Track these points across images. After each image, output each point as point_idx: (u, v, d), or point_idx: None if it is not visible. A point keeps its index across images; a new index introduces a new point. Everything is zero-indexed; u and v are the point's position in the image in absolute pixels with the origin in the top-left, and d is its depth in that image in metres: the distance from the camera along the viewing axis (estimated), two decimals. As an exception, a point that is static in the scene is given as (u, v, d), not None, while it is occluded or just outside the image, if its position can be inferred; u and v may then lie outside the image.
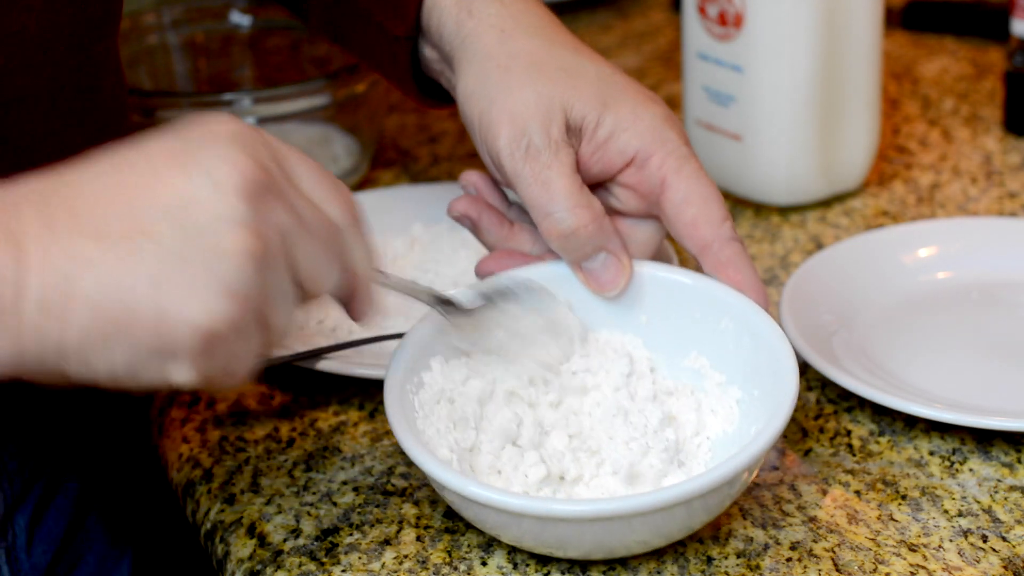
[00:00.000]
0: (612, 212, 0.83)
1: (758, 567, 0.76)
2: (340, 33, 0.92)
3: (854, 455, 0.84)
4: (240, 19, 1.21)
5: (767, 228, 1.06)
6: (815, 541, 0.78)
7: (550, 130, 0.79)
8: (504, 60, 0.81)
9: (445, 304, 0.78)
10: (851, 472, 0.83)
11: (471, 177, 0.84)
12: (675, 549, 0.77)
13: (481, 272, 0.83)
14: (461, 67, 0.83)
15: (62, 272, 0.61)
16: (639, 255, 0.83)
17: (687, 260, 0.96)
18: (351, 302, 0.71)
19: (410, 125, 1.22)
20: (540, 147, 0.79)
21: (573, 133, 0.80)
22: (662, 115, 0.81)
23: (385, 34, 0.87)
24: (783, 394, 0.75)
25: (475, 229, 0.84)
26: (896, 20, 1.34)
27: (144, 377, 0.63)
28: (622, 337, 0.82)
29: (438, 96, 0.89)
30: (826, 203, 1.08)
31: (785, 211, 1.08)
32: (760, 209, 1.07)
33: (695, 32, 1.06)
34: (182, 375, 0.63)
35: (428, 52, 0.87)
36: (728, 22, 1.04)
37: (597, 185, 0.82)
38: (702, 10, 1.05)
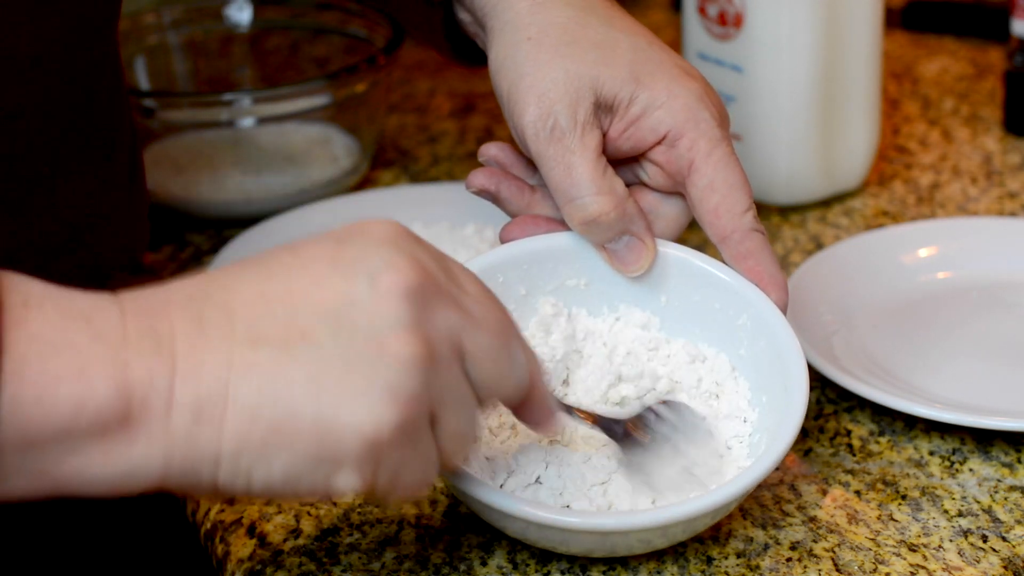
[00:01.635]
0: (640, 186, 0.82)
1: (758, 567, 0.76)
2: None
3: (854, 455, 0.84)
4: (238, 16, 1.21)
5: (767, 228, 1.05)
6: (815, 541, 0.78)
7: (577, 112, 0.78)
8: (535, 32, 0.79)
9: (625, 437, 0.76)
10: (851, 472, 0.83)
11: (491, 150, 0.82)
12: (675, 549, 0.77)
13: (505, 238, 0.81)
14: (492, 35, 0.81)
15: (217, 377, 0.59)
16: (666, 231, 0.82)
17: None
18: (525, 408, 0.69)
19: (410, 125, 1.22)
20: (565, 129, 0.78)
21: (604, 110, 0.79)
22: (698, 92, 0.79)
23: None
24: (791, 412, 0.75)
25: (496, 200, 0.82)
26: (896, 20, 1.34)
27: (308, 485, 0.61)
28: (641, 314, 0.82)
29: (476, 56, 0.88)
30: (826, 203, 1.08)
31: (785, 211, 1.08)
32: (760, 209, 1.07)
33: (695, 32, 1.06)
34: (347, 484, 0.61)
35: (463, 15, 0.86)
36: (728, 22, 1.04)
37: (627, 160, 0.81)
38: (702, 10, 1.05)
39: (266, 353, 0.59)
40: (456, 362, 0.63)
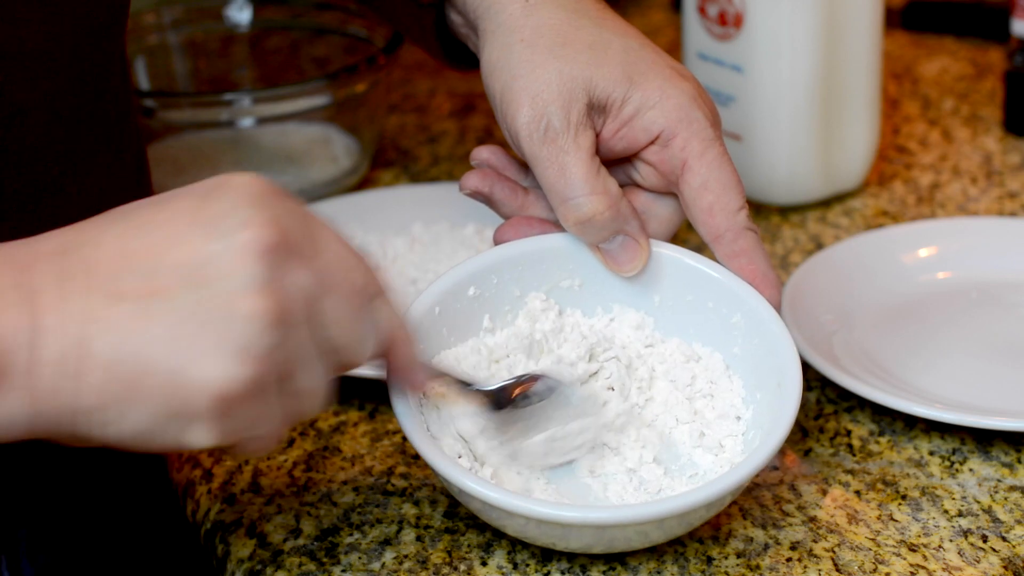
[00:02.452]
0: (634, 186, 0.83)
1: (758, 567, 0.76)
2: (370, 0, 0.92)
3: (854, 455, 0.84)
4: (238, 16, 1.21)
5: (767, 228, 1.06)
6: (815, 541, 0.78)
7: (570, 113, 0.78)
8: (528, 34, 0.80)
9: (487, 397, 0.77)
10: (851, 472, 0.83)
11: (483, 154, 0.83)
12: (675, 549, 0.77)
13: (499, 239, 0.82)
14: (485, 37, 0.82)
15: (77, 333, 0.60)
16: (660, 231, 0.83)
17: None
18: (395, 375, 0.71)
19: (410, 125, 1.22)
20: (559, 130, 0.78)
21: (597, 111, 0.79)
22: (691, 93, 0.80)
23: (412, 0, 0.86)
24: (784, 408, 0.75)
25: (489, 203, 0.83)
26: (896, 20, 1.34)
27: (161, 440, 0.63)
28: (635, 314, 0.82)
29: (466, 59, 0.89)
30: (826, 203, 1.08)
31: (785, 211, 1.08)
32: (760, 209, 1.07)
33: (695, 32, 1.06)
34: (200, 438, 0.63)
35: (454, 17, 0.86)
36: (728, 22, 1.04)
37: (620, 160, 0.82)
38: (702, 10, 1.05)
39: (124, 309, 0.61)
40: (307, 323, 0.64)
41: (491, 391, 0.77)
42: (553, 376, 0.78)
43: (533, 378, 0.77)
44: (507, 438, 0.76)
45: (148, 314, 0.61)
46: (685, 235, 0.86)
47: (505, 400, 0.77)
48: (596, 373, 0.80)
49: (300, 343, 0.64)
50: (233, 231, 0.62)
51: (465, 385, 0.76)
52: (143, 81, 1.18)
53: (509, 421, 0.76)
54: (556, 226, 0.81)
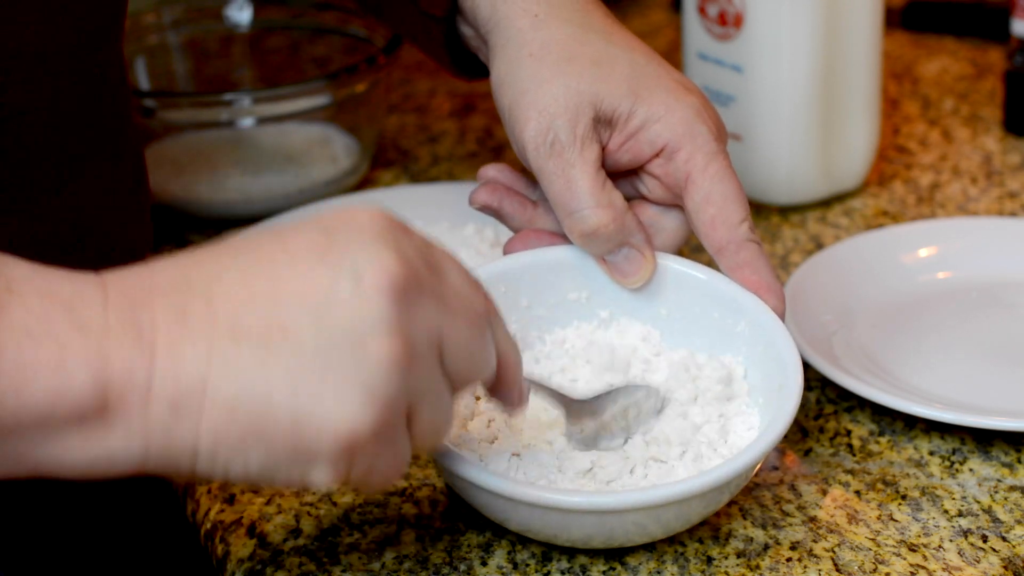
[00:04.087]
0: (640, 199, 0.83)
1: (758, 567, 0.76)
2: (377, 8, 0.92)
3: (854, 455, 0.84)
4: (238, 16, 1.21)
5: (767, 228, 1.06)
6: (815, 541, 0.78)
7: (576, 127, 0.79)
8: (536, 49, 0.81)
9: (571, 406, 0.77)
10: (851, 472, 0.83)
11: (489, 172, 0.84)
12: (675, 549, 0.77)
13: (508, 251, 0.83)
14: (495, 51, 0.83)
15: (197, 373, 0.59)
16: (666, 243, 0.83)
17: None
18: (501, 391, 0.70)
19: (410, 125, 1.22)
20: (565, 144, 0.79)
21: (603, 124, 0.80)
22: (696, 107, 0.81)
23: (422, 12, 0.87)
24: (784, 407, 0.75)
25: (499, 216, 0.84)
26: (896, 20, 1.34)
27: (284, 479, 0.62)
28: (641, 327, 0.83)
29: (476, 69, 0.89)
30: (826, 203, 1.08)
31: (785, 211, 1.08)
32: (760, 209, 1.07)
33: (695, 32, 1.06)
34: (323, 479, 0.62)
35: (465, 29, 0.87)
36: (728, 22, 1.04)
37: (626, 173, 0.82)
38: (702, 10, 1.05)
39: (246, 349, 0.60)
40: (434, 356, 0.63)
41: (589, 402, 0.77)
42: (643, 386, 0.79)
43: (619, 394, 0.78)
44: (583, 432, 0.77)
45: (272, 354, 0.60)
46: (697, 249, 0.87)
47: (599, 411, 0.77)
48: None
49: (426, 379, 0.63)
50: (361, 270, 0.61)
51: (562, 397, 0.77)
52: (143, 81, 1.18)
53: (590, 430, 0.78)
54: (564, 239, 0.82)
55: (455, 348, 0.64)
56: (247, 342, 0.60)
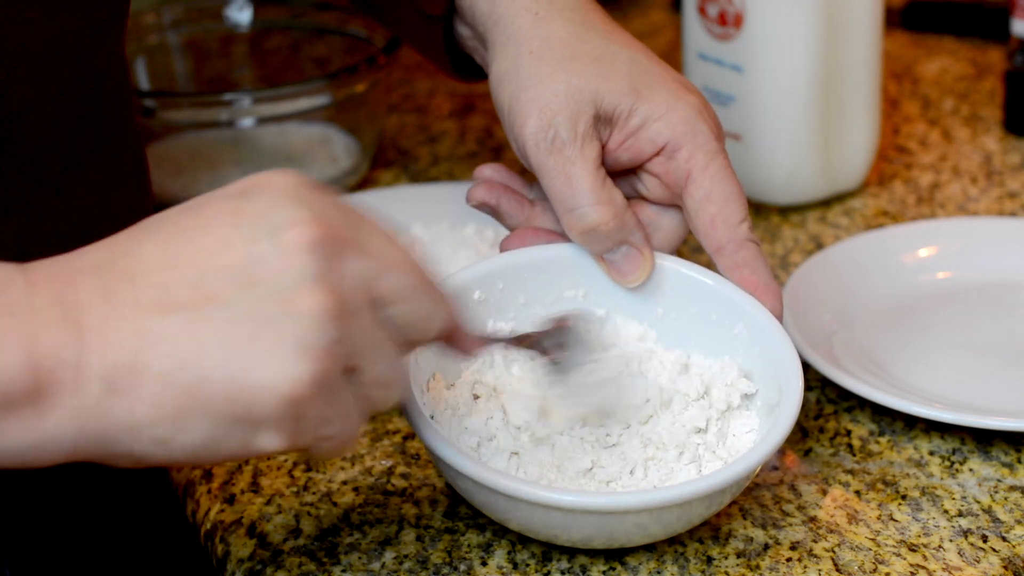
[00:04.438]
0: (639, 199, 0.83)
1: (758, 567, 0.76)
2: (375, 8, 0.92)
3: (854, 455, 0.84)
4: (238, 16, 1.21)
5: (767, 228, 1.06)
6: (815, 541, 0.78)
7: (577, 124, 0.79)
8: (536, 46, 0.81)
9: (541, 352, 0.77)
10: (851, 472, 0.83)
11: (485, 172, 0.84)
12: (675, 549, 0.77)
13: (504, 249, 0.83)
14: (494, 49, 0.83)
15: (128, 347, 0.59)
16: (664, 243, 0.83)
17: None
18: (451, 342, 0.70)
19: (410, 125, 1.22)
20: (566, 141, 0.79)
21: (604, 122, 0.80)
22: (696, 105, 0.81)
23: (419, 12, 0.87)
24: (785, 409, 0.75)
25: (496, 214, 0.84)
26: (896, 20, 1.34)
27: (227, 449, 0.61)
28: (638, 326, 0.83)
29: (472, 71, 0.89)
30: (826, 203, 1.08)
31: (785, 211, 1.08)
32: (760, 209, 1.07)
33: (695, 32, 1.06)
34: (270, 443, 0.61)
35: (462, 29, 0.87)
36: (728, 22, 1.04)
37: (626, 172, 0.82)
38: (702, 10, 1.05)
39: (176, 319, 0.59)
40: (370, 309, 0.63)
41: (542, 332, 0.77)
42: (574, 315, 0.79)
43: (564, 319, 0.78)
44: (562, 385, 0.77)
45: (201, 321, 0.60)
46: (695, 251, 0.87)
47: (552, 345, 0.77)
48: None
49: (363, 331, 0.63)
50: (277, 230, 0.61)
51: (514, 339, 0.77)
52: (143, 81, 1.18)
53: (562, 369, 0.77)
54: (562, 237, 0.82)
55: (392, 300, 0.64)
56: (176, 313, 0.60)
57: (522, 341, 0.77)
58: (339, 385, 0.62)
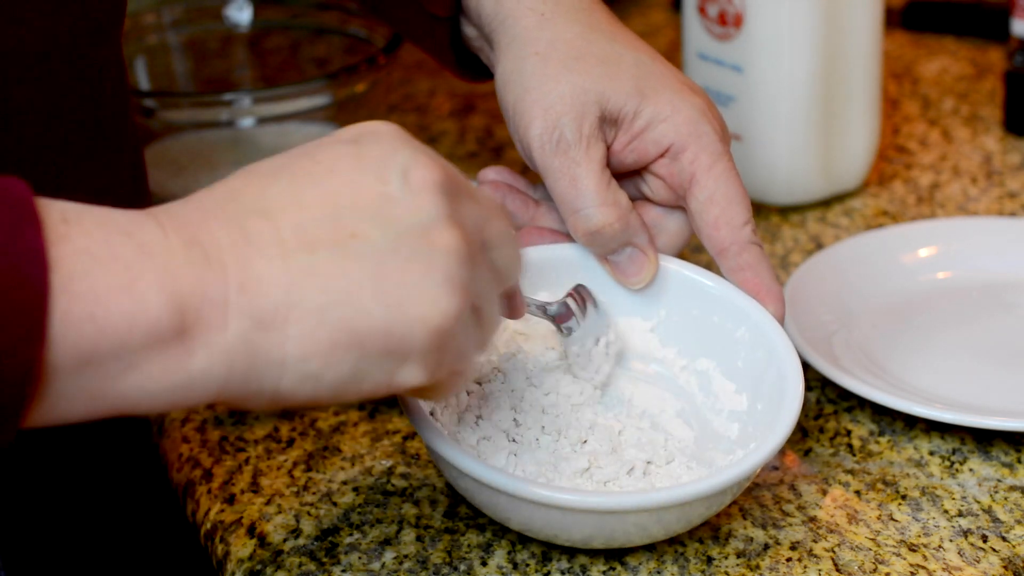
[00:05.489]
0: (643, 200, 0.83)
1: (758, 567, 0.76)
2: (380, 8, 0.92)
3: (854, 455, 0.84)
4: (238, 16, 1.21)
5: (767, 228, 1.06)
6: (815, 541, 0.78)
7: (582, 125, 0.79)
8: (542, 47, 0.81)
9: (558, 320, 0.80)
10: (851, 472, 0.83)
11: (488, 175, 0.84)
12: (675, 549, 0.77)
13: None
14: (499, 49, 0.83)
15: (278, 285, 0.59)
16: (669, 245, 0.83)
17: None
18: (512, 297, 0.72)
19: (410, 125, 1.22)
20: (571, 142, 0.79)
21: (609, 124, 0.80)
22: (701, 107, 0.81)
23: (425, 12, 0.87)
24: (784, 414, 0.75)
25: None
26: (896, 20, 1.34)
27: (371, 383, 0.62)
28: (640, 328, 0.83)
29: (478, 70, 0.90)
30: (826, 203, 1.08)
31: (785, 211, 1.08)
32: (760, 209, 1.07)
33: (695, 32, 1.06)
34: (413, 377, 0.62)
35: (468, 30, 0.87)
36: (728, 22, 1.04)
37: (630, 174, 0.83)
38: (702, 10, 1.05)
39: (323, 255, 0.60)
40: (483, 251, 0.65)
41: (559, 303, 0.80)
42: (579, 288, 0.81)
43: (575, 293, 0.81)
44: (576, 355, 0.80)
45: (349, 258, 0.60)
46: (698, 253, 0.87)
47: (568, 314, 0.80)
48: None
49: (481, 272, 0.64)
50: (405, 172, 0.62)
51: (542, 307, 0.80)
52: (143, 81, 1.18)
53: (573, 340, 0.80)
54: (566, 237, 0.83)
55: (497, 244, 0.65)
56: (322, 250, 0.60)
57: (543, 310, 0.80)
58: (470, 320, 0.64)
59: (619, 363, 0.82)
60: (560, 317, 0.80)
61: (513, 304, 0.73)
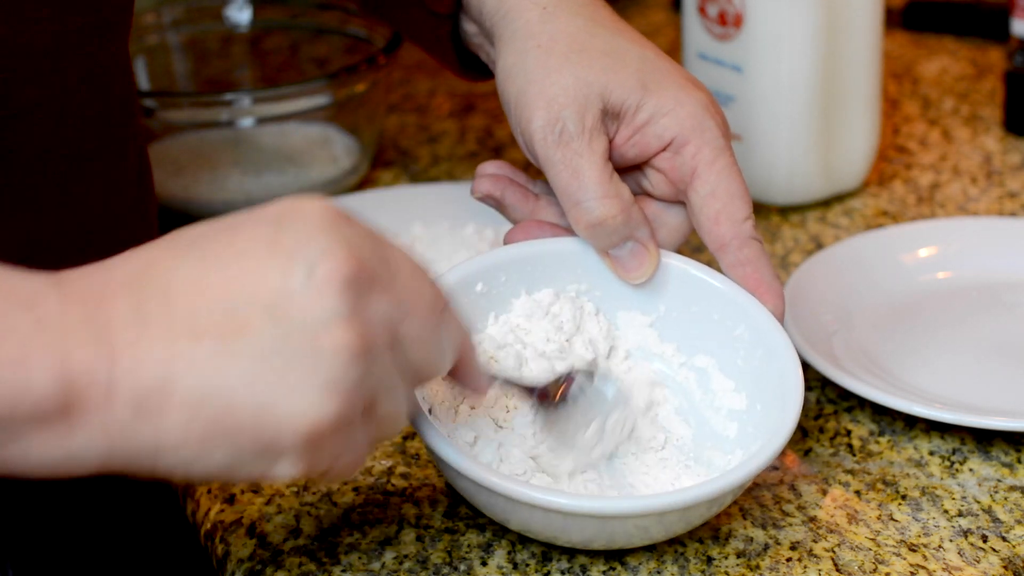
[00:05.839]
0: (644, 195, 0.83)
1: (758, 567, 0.76)
2: (380, 7, 0.92)
3: (854, 455, 0.84)
4: (238, 16, 1.21)
5: (767, 228, 1.06)
6: (815, 541, 0.78)
7: (585, 118, 0.79)
8: (545, 40, 0.81)
9: (540, 398, 0.77)
10: (851, 472, 0.83)
11: (488, 169, 0.84)
12: (675, 549, 0.77)
13: (508, 241, 0.82)
14: (501, 43, 0.83)
15: (158, 372, 0.59)
16: (669, 240, 0.83)
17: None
18: (463, 379, 0.71)
19: (410, 125, 1.22)
20: (573, 134, 0.79)
21: (611, 117, 0.80)
22: (704, 102, 0.81)
23: (426, 10, 0.87)
24: (785, 416, 0.75)
25: (500, 207, 0.83)
26: (896, 20, 1.34)
27: (246, 474, 0.62)
28: (638, 323, 0.82)
29: (477, 69, 0.89)
30: (826, 203, 1.09)
31: (785, 211, 1.08)
32: (760, 209, 1.07)
33: (695, 32, 1.06)
34: (289, 471, 0.62)
35: (468, 27, 0.87)
36: (728, 22, 1.04)
37: (630, 168, 0.82)
38: (702, 10, 1.05)
39: (206, 347, 0.60)
40: (389, 350, 0.64)
41: (542, 387, 0.77)
42: (585, 371, 0.78)
43: (571, 376, 0.78)
44: (558, 435, 0.77)
45: (231, 352, 0.60)
46: (698, 250, 0.87)
47: (551, 396, 0.77)
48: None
49: (383, 370, 0.63)
50: (312, 263, 0.61)
51: (518, 386, 0.77)
52: (143, 81, 1.18)
53: (557, 419, 0.77)
54: (566, 231, 0.82)
55: (410, 342, 0.65)
56: (206, 341, 0.60)
57: (525, 387, 0.77)
58: (357, 420, 0.63)
59: (629, 439, 0.80)
60: (541, 395, 0.77)
61: (467, 380, 0.72)
